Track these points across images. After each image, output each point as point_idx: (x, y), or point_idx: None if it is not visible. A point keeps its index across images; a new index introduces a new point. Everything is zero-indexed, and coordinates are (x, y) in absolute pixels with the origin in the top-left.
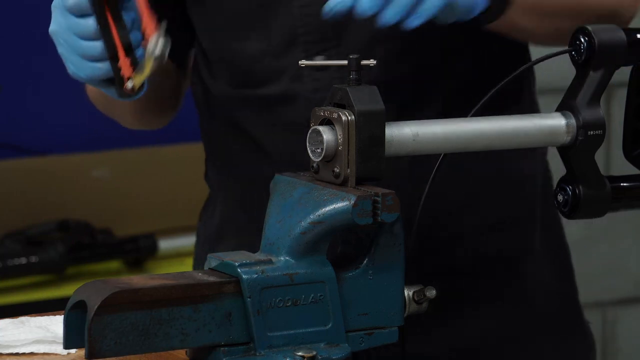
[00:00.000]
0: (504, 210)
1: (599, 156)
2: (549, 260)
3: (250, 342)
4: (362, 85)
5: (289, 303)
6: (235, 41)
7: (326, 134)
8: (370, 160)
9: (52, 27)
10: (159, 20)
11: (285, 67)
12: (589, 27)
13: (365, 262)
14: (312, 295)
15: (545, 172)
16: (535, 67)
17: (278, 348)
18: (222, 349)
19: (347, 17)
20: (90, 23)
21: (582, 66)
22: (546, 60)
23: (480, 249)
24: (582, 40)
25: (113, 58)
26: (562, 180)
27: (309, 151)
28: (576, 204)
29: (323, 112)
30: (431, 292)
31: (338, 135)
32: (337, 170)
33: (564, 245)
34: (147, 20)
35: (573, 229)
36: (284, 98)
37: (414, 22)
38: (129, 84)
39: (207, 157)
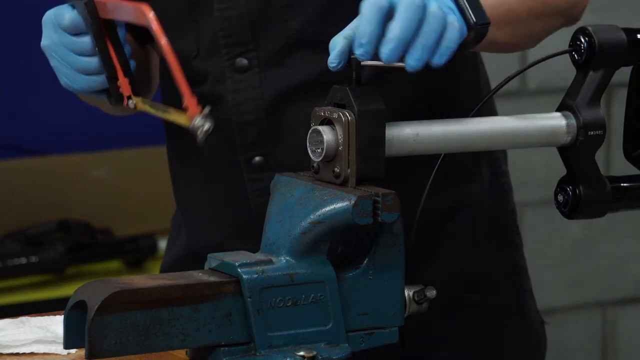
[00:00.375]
0: (443, 202)
1: (599, 156)
2: (496, 256)
3: (250, 342)
4: (362, 85)
5: (289, 303)
6: (172, 42)
7: (326, 134)
8: (371, 160)
9: (45, 42)
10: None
11: (211, 69)
12: (589, 28)
13: (365, 262)
14: (313, 295)
15: (494, 169)
16: (536, 67)
17: (278, 348)
18: (222, 349)
19: (264, 20)
20: (85, 41)
21: (582, 66)
22: (546, 60)
23: (420, 239)
24: (583, 40)
25: (111, 78)
26: (563, 181)
27: (310, 151)
28: (576, 204)
29: (323, 112)
30: (431, 292)
31: (338, 135)
32: (337, 170)
33: (513, 244)
34: (189, 100)
35: (573, 229)
36: (211, 98)
37: (440, 60)
38: (131, 104)
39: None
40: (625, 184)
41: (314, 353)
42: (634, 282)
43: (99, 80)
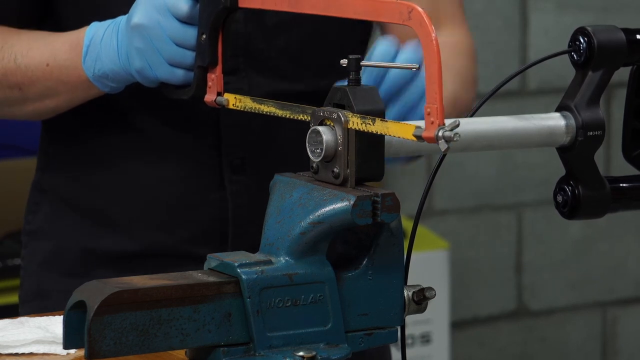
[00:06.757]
0: None
1: (599, 156)
2: None
3: (250, 342)
4: (362, 85)
5: (289, 303)
6: None
7: (326, 134)
8: (370, 160)
9: (140, 21)
10: None
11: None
12: (588, 28)
13: (365, 262)
14: (312, 295)
15: None
16: (536, 67)
17: (278, 348)
18: (222, 349)
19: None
20: (191, 32)
21: (582, 67)
22: (546, 61)
23: None
24: (582, 40)
25: (202, 70)
26: (562, 181)
27: (309, 151)
28: (576, 205)
29: (323, 112)
30: (431, 293)
31: (338, 135)
32: (336, 170)
33: None
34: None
35: (573, 229)
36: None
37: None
38: (223, 101)
39: None
40: (624, 185)
41: (314, 353)
42: (634, 282)
43: (182, 74)
